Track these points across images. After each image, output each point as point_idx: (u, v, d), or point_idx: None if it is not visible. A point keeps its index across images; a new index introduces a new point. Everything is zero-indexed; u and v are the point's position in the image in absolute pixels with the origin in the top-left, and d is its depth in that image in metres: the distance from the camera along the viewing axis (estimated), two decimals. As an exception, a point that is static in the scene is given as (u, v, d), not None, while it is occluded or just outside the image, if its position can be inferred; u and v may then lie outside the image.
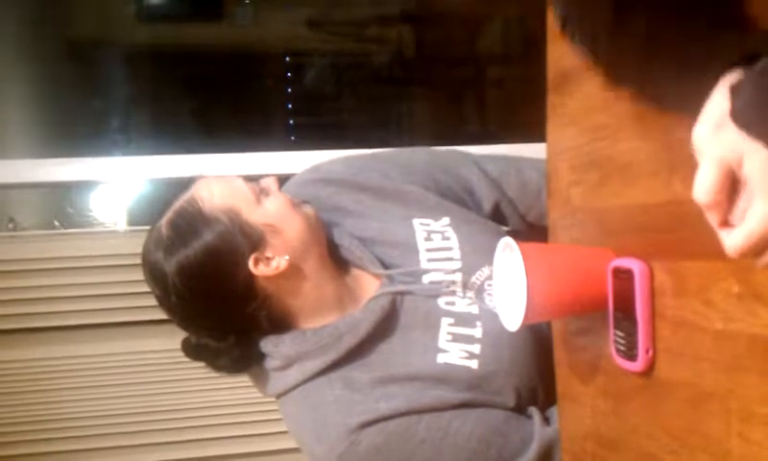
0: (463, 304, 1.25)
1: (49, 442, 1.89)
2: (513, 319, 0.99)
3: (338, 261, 1.26)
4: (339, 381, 1.20)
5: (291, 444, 1.90)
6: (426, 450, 1.17)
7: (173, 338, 1.94)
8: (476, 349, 1.23)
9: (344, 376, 1.20)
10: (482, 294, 1.26)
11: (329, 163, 1.39)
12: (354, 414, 1.17)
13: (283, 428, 1.85)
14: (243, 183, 1.20)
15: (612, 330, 0.96)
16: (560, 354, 1.17)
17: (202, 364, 1.25)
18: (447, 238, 1.28)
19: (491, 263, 1.15)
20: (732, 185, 0.60)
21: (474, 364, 1.22)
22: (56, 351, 1.94)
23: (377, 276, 1.26)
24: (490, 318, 1.23)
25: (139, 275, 1.93)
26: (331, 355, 1.19)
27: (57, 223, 2.57)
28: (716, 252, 0.70)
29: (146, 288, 1.94)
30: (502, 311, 1.03)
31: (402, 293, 1.24)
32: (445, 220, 1.30)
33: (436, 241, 1.27)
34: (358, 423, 1.16)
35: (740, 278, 0.76)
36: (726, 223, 0.63)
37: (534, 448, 1.21)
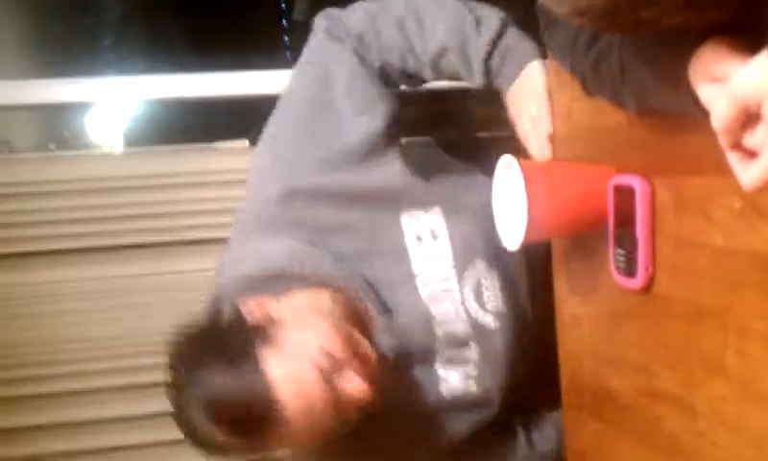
0: (458, 322, 1.20)
1: (48, 364, 1.91)
2: (513, 237, 0.99)
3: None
4: None
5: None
6: None
7: (169, 261, 1.96)
8: (473, 371, 1.21)
9: None
10: (479, 294, 1.21)
11: (288, 170, 1.20)
12: None
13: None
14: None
15: (612, 248, 0.96)
16: (560, 273, 1.17)
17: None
18: (437, 236, 1.20)
19: (482, 256, 1.18)
20: (746, 117, 0.61)
21: (473, 386, 1.21)
22: (54, 275, 1.93)
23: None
24: (483, 335, 1.20)
25: (136, 196, 1.94)
26: None
27: (52, 146, 2.55)
28: (718, 168, 0.69)
29: (144, 210, 1.94)
30: (502, 230, 1.03)
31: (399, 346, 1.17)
32: (437, 209, 1.21)
33: (426, 241, 1.20)
34: None
35: (742, 194, 0.74)
36: (737, 146, 0.63)
37: None
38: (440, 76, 1.27)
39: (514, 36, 1.18)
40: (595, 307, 1.07)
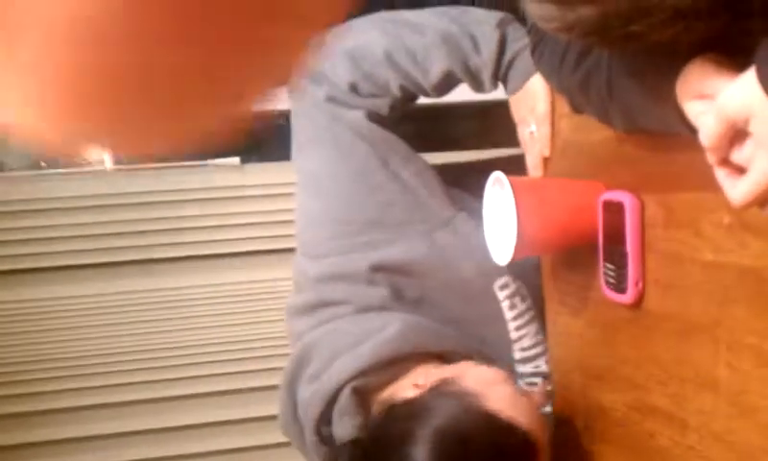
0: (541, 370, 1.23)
1: (41, 382, 1.90)
2: (503, 253, 0.99)
3: None
4: None
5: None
6: None
7: (163, 278, 1.96)
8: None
9: None
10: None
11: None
12: None
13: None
14: None
15: (601, 263, 0.96)
16: (549, 288, 1.18)
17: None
18: (525, 298, 1.21)
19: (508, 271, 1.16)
20: (734, 133, 0.62)
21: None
22: (46, 292, 1.93)
23: None
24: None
25: (128, 214, 1.94)
26: None
27: (43, 163, 2.54)
28: (706, 183, 0.70)
29: (136, 227, 1.94)
30: (492, 246, 1.03)
31: None
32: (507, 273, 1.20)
33: (518, 306, 1.21)
34: None
35: (731, 209, 0.75)
36: (725, 162, 0.64)
37: None
38: (444, 94, 1.25)
39: (514, 47, 1.16)
40: (586, 322, 1.07)
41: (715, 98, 0.63)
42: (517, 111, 1.16)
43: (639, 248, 0.90)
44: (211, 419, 1.93)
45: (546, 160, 1.12)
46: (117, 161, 2.39)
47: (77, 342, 1.92)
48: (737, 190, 0.63)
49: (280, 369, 1.20)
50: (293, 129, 1.25)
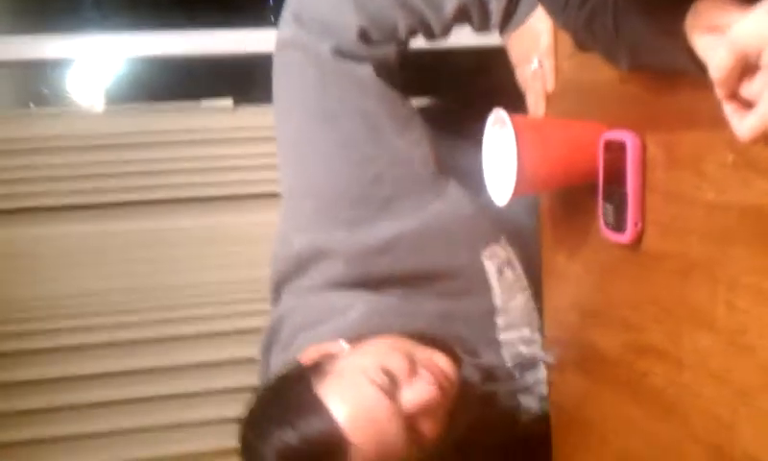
0: (529, 346, 1.21)
1: (30, 321, 1.90)
2: (502, 192, 0.99)
3: None
4: None
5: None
6: None
7: (152, 219, 1.94)
8: (545, 389, 1.21)
9: None
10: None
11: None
12: None
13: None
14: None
15: (601, 203, 0.96)
16: (547, 228, 1.18)
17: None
18: (510, 262, 1.20)
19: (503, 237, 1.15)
20: (744, 67, 0.61)
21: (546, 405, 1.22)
22: (35, 232, 1.92)
23: None
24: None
25: (119, 154, 1.91)
26: None
27: (32, 104, 2.51)
28: (711, 122, 0.70)
29: (126, 169, 1.92)
30: (491, 184, 1.03)
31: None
32: (503, 238, 1.19)
33: (507, 273, 1.20)
34: None
35: (734, 148, 0.75)
36: (734, 96, 0.64)
37: None
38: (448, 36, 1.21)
39: None
40: (583, 262, 1.07)
41: (727, 30, 0.62)
42: (519, 49, 1.15)
43: (640, 188, 0.90)
44: (214, 357, 1.93)
45: (548, 99, 1.11)
46: (108, 101, 2.36)
47: (67, 282, 1.91)
48: (745, 124, 0.63)
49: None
50: (274, 87, 1.19)
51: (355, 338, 1.06)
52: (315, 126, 1.13)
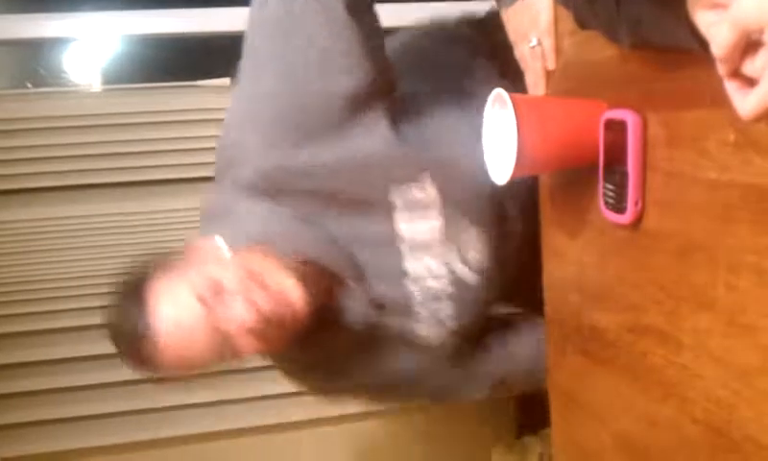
0: (437, 280, 1.21)
1: (23, 303, 1.90)
2: (502, 172, 0.98)
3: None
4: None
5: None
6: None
7: (151, 200, 1.94)
8: (449, 322, 1.24)
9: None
10: (465, 252, 1.21)
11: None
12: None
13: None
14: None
15: (601, 183, 0.95)
16: (547, 209, 1.17)
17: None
18: (428, 206, 1.18)
19: (470, 215, 1.17)
20: (746, 44, 0.60)
21: (445, 335, 1.25)
22: (32, 213, 1.91)
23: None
24: (462, 291, 1.22)
25: (116, 135, 1.91)
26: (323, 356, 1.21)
27: (29, 84, 2.49)
28: (712, 101, 0.69)
29: (124, 149, 1.91)
30: (491, 164, 1.02)
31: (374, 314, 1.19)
32: (426, 176, 1.17)
33: (416, 210, 1.17)
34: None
35: (736, 126, 0.74)
36: (736, 74, 0.63)
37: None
38: None
39: None
40: (582, 243, 1.07)
41: (729, 6, 0.61)
42: (518, 25, 1.13)
43: (640, 167, 0.90)
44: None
45: (548, 77, 1.10)
46: (105, 81, 2.35)
47: (62, 263, 1.90)
48: (747, 102, 0.62)
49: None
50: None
51: (241, 244, 1.07)
52: (269, 37, 1.13)
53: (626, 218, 0.92)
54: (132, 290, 1.02)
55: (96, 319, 1.87)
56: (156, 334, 0.98)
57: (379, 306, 1.18)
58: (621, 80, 0.93)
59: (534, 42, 1.10)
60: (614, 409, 1.02)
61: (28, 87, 2.40)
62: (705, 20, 0.67)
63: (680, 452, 0.89)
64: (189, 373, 1.04)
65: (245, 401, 2.00)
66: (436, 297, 1.21)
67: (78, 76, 2.38)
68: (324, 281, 1.11)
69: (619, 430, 1.01)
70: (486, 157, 1.03)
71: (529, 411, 2.01)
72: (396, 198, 1.16)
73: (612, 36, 0.87)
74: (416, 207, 1.17)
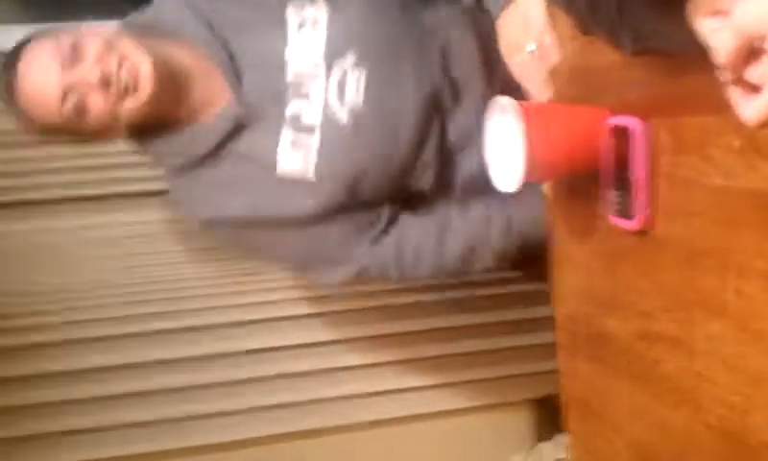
0: (309, 112, 1.24)
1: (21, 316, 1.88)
2: (508, 180, 0.98)
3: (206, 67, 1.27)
4: (193, 179, 1.31)
5: (269, 313, 1.93)
6: (262, 254, 1.44)
7: (139, 211, 1.90)
8: (313, 158, 1.24)
9: (197, 175, 1.30)
10: (342, 87, 1.23)
11: None
12: (201, 210, 1.33)
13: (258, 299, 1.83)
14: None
15: (608, 190, 0.95)
16: (555, 216, 1.17)
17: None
18: (316, 25, 1.24)
19: (355, 50, 1.20)
20: (749, 51, 0.60)
21: (310, 173, 1.25)
22: (33, 226, 1.88)
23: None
24: (331, 127, 1.23)
25: (100, 146, 1.85)
26: (184, 158, 1.30)
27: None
28: (717, 107, 0.68)
29: (122, 159, 1.87)
30: (496, 171, 1.01)
31: (245, 116, 1.26)
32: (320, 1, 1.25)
33: (306, 30, 1.24)
34: (205, 218, 1.34)
35: (741, 132, 0.73)
36: (739, 81, 0.63)
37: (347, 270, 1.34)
38: None
39: None
40: (591, 250, 1.06)
41: (731, 13, 0.61)
42: (510, 37, 1.13)
43: (647, 173, 0.89)
44: (218, 349, 1.92)
45: (551, 83, 1.09)
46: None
47: (71, 275, 1.88)
48: (751, 109, 0.62)
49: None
50: None
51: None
52: None
53: (634, 224, 0.91)
54: (17, 46, 1.20)
55: (101, 330, 1.87)
56: (20, 80, 1.17)
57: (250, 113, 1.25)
58: (625, 85, 0.93)
59: (533, 47, 1.09)
60: (628, 417, 1.01)
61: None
62: (706, 27, 0.66)
63: (694, 459, 0.88)
64: (51, 127, 1.20)
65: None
66: (307, 128, 1.24)
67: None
68: (178, 82, 1.25)
69: (633, 438, 1.00)
70: (490, 166, 1.02)
71: (546, 418, 2.00)
72: (290, 13, 1.25)
73: (615, 41, 0.86)
74: (306, 26, 1.24)
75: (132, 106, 1.19)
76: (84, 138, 1.27)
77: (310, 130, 1.23)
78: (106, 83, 1.15)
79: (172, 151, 1.31)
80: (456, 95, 1.31)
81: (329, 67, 1.22)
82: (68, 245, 1.88)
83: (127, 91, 1.16)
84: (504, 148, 0.99)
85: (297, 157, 1.25)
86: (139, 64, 1.17)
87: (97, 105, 1.17)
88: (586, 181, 1.02)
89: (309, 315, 1.95)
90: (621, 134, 0.91)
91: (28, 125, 1.22)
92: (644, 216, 0.90)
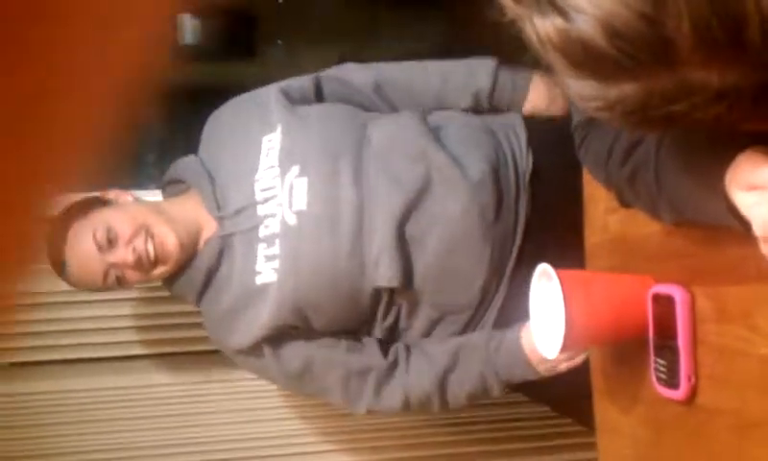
0: (273, 225, 1.35)
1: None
2: (551, 347, 0.98)
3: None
4: (206, 314, 1.46)
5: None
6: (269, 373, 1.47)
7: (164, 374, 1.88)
8: (276, 264, 1.34)
9: (205, 310, 1.45)
10: (290, 196, 1.34)
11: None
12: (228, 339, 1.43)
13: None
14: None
15: (652, 358, 0.95)
16: (598, 383, 1.16)
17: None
18: (273, 148, 1.38)
19: (298, 163, 1.33)
20: None
21: (275, 278, 1.34)
22: (57, 385, 1.88)
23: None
24: (287, 233, 1.33)
25: (149, 307, 1.87)
26: (195, 286, 1.42)
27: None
28: (759, 276, 0.70)
29: (155, 321, 1.88)
30: (539, 338, 1.02)
31: (229, 236, 1.38)
32: (279, 127, 1.38)
33: (270, 154, 1.38)
34: (234, 349, 1.42)
35: (785, 302, 0.75)
36: None
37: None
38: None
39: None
40: (636, 419, 1.05)
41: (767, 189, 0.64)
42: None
43: (691, 342, 0.89)
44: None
45: (594, 254, 1.12)
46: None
47: (93, 437, 1.85)
48: None
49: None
50: None
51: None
52: None
53: (680, 394, 0.90)
54: (55, 223, 1.34)
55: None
56: (66, 257, 1.34)
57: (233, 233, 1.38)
58: (666, 255, 0.95)
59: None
60: None
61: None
62: (745, 202, 0.69)
63: None
64: (96, 288, 1.41)
65: None
66: (271, 239, 1.35)
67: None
68: (195, 241, 1.40)
69: None
70: (533, 331, 1.04)
71: None
72: (264, 143, 1.41)
73: (654, 213, 0.89)
74: (271, 152, 1.39)
75: (161, 272, 1.38)
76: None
77: (272, 240, 1.36)
78: (139, 262, 1.34)
79: (183, 292, 1.46)
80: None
81: (283, 181, 1.37)
82: (90, 406, 1.87)
83: (157, 262, 1.35)
84: (547, 315, 1.01)
85: (268, 267, 1.37)
86: (165, 237, 1.35)
87: (134, 276, 1.38)
88: (629, 349, 1.02)
89: None
90: (664, 303, 0.92)
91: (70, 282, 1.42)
92: (690, 385, 0.89)
